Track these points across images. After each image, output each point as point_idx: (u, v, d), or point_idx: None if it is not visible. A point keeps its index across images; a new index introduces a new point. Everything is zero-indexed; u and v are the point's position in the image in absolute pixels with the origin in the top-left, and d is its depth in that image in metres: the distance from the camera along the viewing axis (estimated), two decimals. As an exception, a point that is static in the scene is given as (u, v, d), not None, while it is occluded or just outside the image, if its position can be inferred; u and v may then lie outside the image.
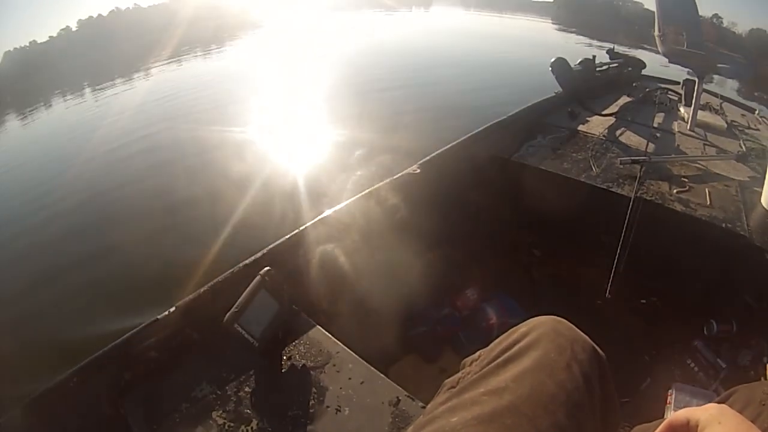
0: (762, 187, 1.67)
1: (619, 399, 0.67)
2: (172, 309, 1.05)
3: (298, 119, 5.22)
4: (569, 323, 0.68)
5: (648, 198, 1.63)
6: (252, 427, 0.87)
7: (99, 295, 2.43)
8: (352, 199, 1.51)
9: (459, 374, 0.74)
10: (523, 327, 0.68)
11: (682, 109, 2.46)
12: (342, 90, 5.97)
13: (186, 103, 5.93)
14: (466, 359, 0.77)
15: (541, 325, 0.66)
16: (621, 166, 1.83)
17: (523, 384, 0.58)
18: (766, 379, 1.42)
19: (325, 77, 6.78)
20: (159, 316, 1.03)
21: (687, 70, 2.59)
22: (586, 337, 0.66)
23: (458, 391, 0.62)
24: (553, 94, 2.46)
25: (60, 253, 2.88)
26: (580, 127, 2.21)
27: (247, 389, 0.95)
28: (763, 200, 1.65)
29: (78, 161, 4.37)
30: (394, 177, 1.65)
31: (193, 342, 1.04)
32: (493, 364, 0.63)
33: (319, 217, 1.40)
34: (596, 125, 2.24)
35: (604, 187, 1.71)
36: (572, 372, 0.59)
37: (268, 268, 1.00)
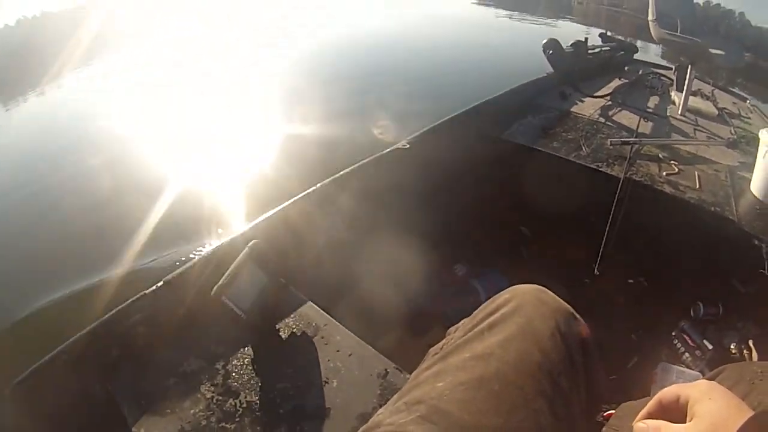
0: (751, 174, 1.69)
1: (605, 372, 0.66)
2: (160, 284, 1.03)
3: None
4: (552, 293, 0.68)
5: (637, 179, 1.64)
6: (240, 401, 0.87)
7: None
8: (341, 173, 1.49)
9: (443, 341, 0.73)
10: (506, 294, 0.68)
11: (673, 94, 2.46)
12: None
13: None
14: (451, 328, 0.78)
15: (524, 293, 0.67)
16: (611, 147, 1.83)
17: (509, 351, 0.58)
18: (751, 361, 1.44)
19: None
20: (146, 291, 1.01)
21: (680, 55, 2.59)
22: (568, 306, 0.66)
23: (442, 356, 0.62)
24: (545, 75, 2.45)
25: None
26: (572, 108, 2.21)
27: (235, 363, 0.94)
28: (752, 187, 1.66)
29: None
30: (383, 152, 1.63)
31: (181, 316, 1.03)
32: (477, 329, 0.63)
33: (307, 191, 1.38)
34: (587, 106, 2.24)
35: (594, 167, 1.70)
36: (556, 341, 0.60)
37: (255, 240, 0.99)
